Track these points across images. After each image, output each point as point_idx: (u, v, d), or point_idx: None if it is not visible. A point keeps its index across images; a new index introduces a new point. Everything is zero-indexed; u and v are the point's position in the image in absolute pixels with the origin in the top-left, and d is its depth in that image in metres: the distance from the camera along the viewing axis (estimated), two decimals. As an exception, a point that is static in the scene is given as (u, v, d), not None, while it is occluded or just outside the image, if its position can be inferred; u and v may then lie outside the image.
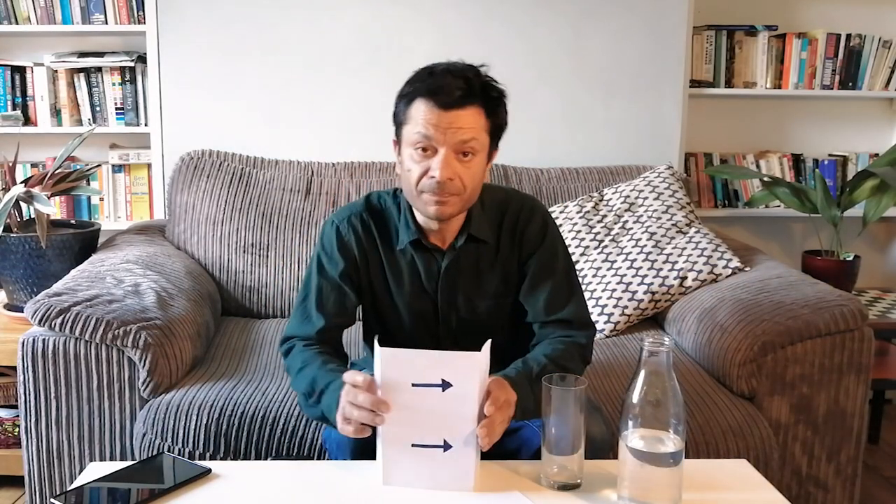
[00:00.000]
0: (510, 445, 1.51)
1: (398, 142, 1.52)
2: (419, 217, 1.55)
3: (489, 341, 1.26)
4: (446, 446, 1.24)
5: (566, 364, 1.48)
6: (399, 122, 1.49)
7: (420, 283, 1.58)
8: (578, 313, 1.59)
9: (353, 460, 1.39)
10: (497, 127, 1.50)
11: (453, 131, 1.42)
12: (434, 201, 1.45)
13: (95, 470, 1.31)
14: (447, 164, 1.42)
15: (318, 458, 1.71)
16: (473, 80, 1.44)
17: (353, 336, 1.91)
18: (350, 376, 1.29)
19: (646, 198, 2.55)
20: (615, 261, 2.42)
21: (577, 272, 2.42)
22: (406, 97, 1.47)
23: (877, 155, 3.11)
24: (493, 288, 1.61)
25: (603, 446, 1.43)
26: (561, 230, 2.49)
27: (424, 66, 1.49)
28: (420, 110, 1.43)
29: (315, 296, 1.57)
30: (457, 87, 1.42)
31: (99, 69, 2.81)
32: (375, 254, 1.58)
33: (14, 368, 1.98)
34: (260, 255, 2.48)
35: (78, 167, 2.68)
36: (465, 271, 1.59)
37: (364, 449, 1.34)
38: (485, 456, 1.29)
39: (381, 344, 1.24)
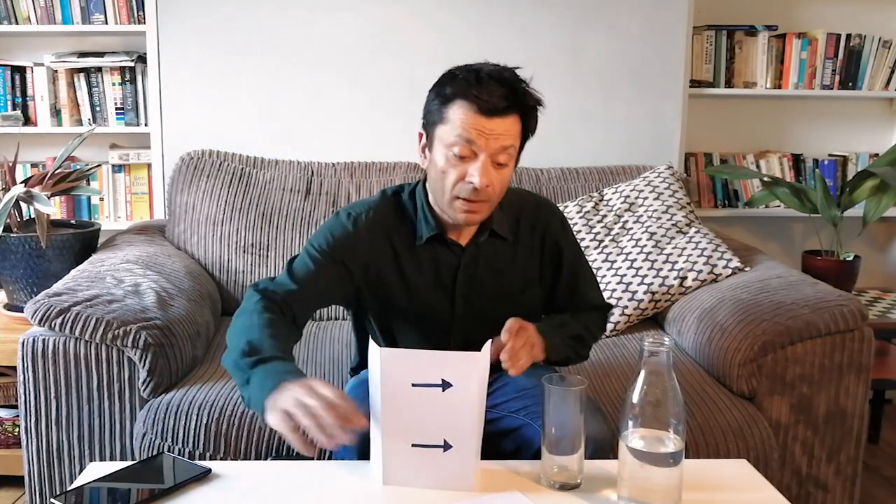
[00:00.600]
0: (510, 446, 1.51)
1: (427, 137, 1.50)
2: (438, 212, 1.55)
3: (489, 342, 1.27)
4: (446, 446, 1.24)
5: (589, 324, 1.66)
6: (433, 119, 1.47)
7: (438, 277, 1.59)
8: (601, 297, 1.76)
9: (353, 460, 1.39)
10: (528, 133, 1.50)
11: (495, 138, 1.41)
12: (465, 209, 1.46)
13: (95, 470, 1.31)
14: (486, 170, 1.42)
15: (318, 458, 1.71)
16: (518, 88, 1.43)
17: (350, 337, 1.90)
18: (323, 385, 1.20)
19: (646, 198, 2.55)
20: (615, 261, 2.42)
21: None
22: (445, 97, 1.44)
23: (877, 155, 3.11)
24: (511, 284, 1.62)
25: (604, 446, 1.43)
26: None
27: (466, 65, 1.46)
28: (461, 114, 1.42)
29: (300, 263, 1.53)
30: (503, 96, 1.41)
31: (99, 69, 2.81)
32: (388, 249, 1.58)
33: (14, 368, 1.98)
34: (260, 255, 2.48)
35: (78, 167, 2.68)
36: (484, 267, 1.60)
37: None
38: (485, 456, 1.29)
39: (382, 341, 1.24)
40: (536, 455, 1.35)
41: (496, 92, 1.41)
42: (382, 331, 1.63)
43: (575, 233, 2.48)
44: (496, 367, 1.35)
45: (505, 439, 1.52)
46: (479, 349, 1.23)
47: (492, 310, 1.60)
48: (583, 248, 2.46)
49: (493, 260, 1.60)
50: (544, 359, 1.50)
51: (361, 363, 1.73)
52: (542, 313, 1.70)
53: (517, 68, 1.48)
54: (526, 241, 1.63)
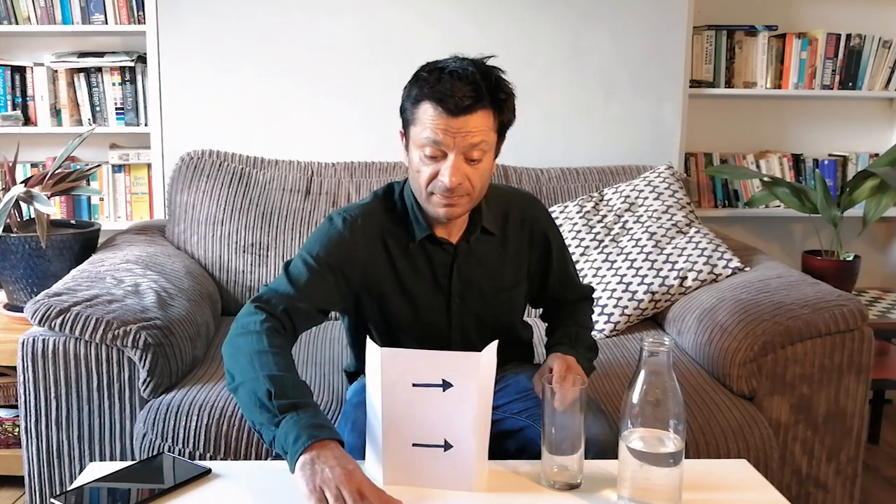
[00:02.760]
0: (512, 446, 1.51)
1: (405, 136, 1.51)
2: (429, 213, 1.55)
3: (495, 342, 1.26)
4: (447, 446, 1.24)
5: (586, 322, 1.74)
6: (406, 119, 1.48)
7: (433, 276, 1.58)
8: (585, 286, 1.80)
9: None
10: (505, 123, 1.49)
11: (462, 136, 1.40)
12: (443, 203, 1.46)
13: (95, 470, 1.31)
14: (456, 169, 1.42)
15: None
16: (482, 83, 1.41)
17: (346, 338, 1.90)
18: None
19: (646, 198, 2.55)
20: (615, 261, 2.42)
21: (578, 272, 2.44)
22: (413, 98, 1.44)
23: (877, 155, 3.11)
24: (504, 279, 1.63)
25: (606, 448, 1.43)
26: (561, 230, 2.50)
27: (433, 63, 1.46)
28: (428, 114, 1.41)
29: (298, 270, 1.49)
30: (466, 95, 1.39)
31: (99, 69, 2.81)
32: (384, 251, 1.56)
33: (14, 368, 1.98)
34: (260, 255, 2.48)
35: (78, 167, 2.68)
36: (477, 264, 1.60)
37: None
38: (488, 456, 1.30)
39: (383, 344, 1.24)
40: (539, 456, 1.35)
41: (461, 90, 1.39)
42: (382, 334, 1.61)
43: (575, 233, 2.50)
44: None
45: (507, 440, 1.52)
46: (478, 348, 1.23)
47: (486, 306, 1.61)
48: (582, 250, 2.48)
49: (484, 257, 1.60)
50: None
51: (359, 368, 1.72)
52: (525, 308, 1.75)
53: (489, 58, 1.47)
54: (515, 236, 1.63)
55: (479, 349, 1.22)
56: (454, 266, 1.58)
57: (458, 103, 1.39)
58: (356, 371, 1.75)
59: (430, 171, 1.44)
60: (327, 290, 1.50)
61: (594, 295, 1.86)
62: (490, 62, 1.48)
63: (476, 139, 1.41)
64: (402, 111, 1.49)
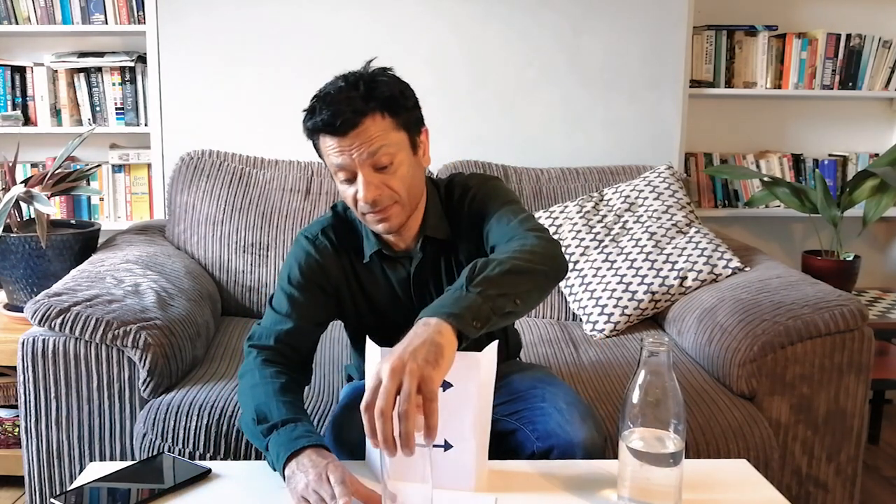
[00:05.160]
0: (503, 448, 1.51)
1: None
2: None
3: (495, 342, 1.26)
4: (447, 446, 1.24)
5: (516, 249, 1.30)
6: (319, 154, 1.47)
7: (393, 292, 1.56)
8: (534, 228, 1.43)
9: (353, 460, 1.39)
10: (407, 117, 1.43)
11: (358, 149, 1.38)
12: (377, 220, 1.44)
13: (95, 470, 1.31)
14: (368, 183, 1.39)
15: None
16: (356, 94, 1.38)
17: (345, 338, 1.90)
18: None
19: (646, 198, 2.55)
20: (615, 261, 2.42)
21: (578, 272, 2.44)
22: (309, 134, 1.44)
23: (877, 155, 3.11)
24: None
25: (593, 452, 1.42)
26: (561, 230, 2.52)
27: (314, 96, 1.43)
28: (325, 144, 1.41)
29: (281, 300, 1.51)
30: (343, 111, 1.36)
31: (99, 69, 2.81)
32: (350, 266, 1.56)
33: (14, 368, 1.98)
34: (260, 255, 2.48)
35: (78, 167, 2.68)
36: (434, 273, 1.56)
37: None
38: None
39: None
40: (532, 457, 1.37)
41: (338, 109, 1.37)
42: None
43: (575, 233, 2.49)
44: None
45: (501, 442, 1.52)
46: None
47: None
48: (582, 250, 2.48)
49: (439, 264, 1.55)
50: (467, 336, 1.16)
51: (360, 368, 1.72)
52: None
53: (371, 60, 1.46)
54: (465, 231, 1.54)
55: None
56: (410, 279, 1.55)
57: (342, 123, 1.37)
58: (355, 372, 1.75)
59: (351, 192, 1.43)
60: (312, 305, 1.51)
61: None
62: (373, 63, 1.45)
63: (374, 146, 1.38)
64: (315, 148, 1.47)
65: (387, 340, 1.53)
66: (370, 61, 1.46)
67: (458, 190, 1.56)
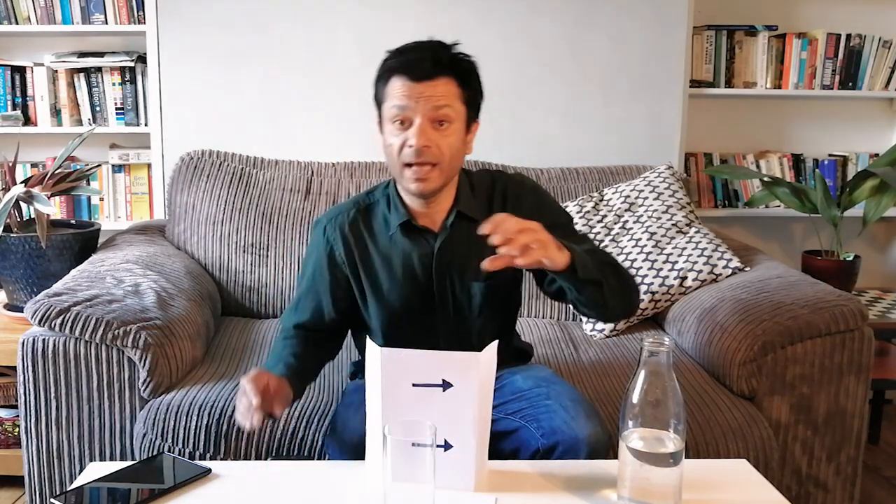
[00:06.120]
0: (506, 447, 1.51)
1: (380, 119, 1.56)
2: (407, 199, 1.58)
3: (495, 342, 1.26)
4: (447, 446, 1.24)
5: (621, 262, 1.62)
6: (378, 101, 1.55)
7: (413, 267, 1.59)
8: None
9: (353, 460, 1.39)
10: (472, 96, 1.54)
11: (426, 100, 1.47)
12: (414, 177, 1.50)
13: (95, 470, 1.32)
14: (422, 131, 1.47)
15: (318, 458, 1.71)
16: (441, 52, 1.49)
17: (349, 339, 1.90)
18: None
19: (646, 198, 2.55)
20: (615, 261, 2.41)
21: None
22: (382, 77, 1.52)
23: (877, 155, 3.11)
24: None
25: (599, 449, 1.42)
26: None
27: (396, 47, 1.54)
28: (395, 86, 1.49)
29: (302, 290, 1.67)
30: (426, 60, 1.47)
31: (99, 69, 2.81)
32: (365, 249, 1.61)
33: (14, 368, 1.98)
34: (260, 255, 2.48)
35: (78, 167, 2.68)
36: (459, 251, 1.59)
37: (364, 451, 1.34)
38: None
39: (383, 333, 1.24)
40: (534, 456, 1.37)
41: (420, 58, 1.48)
42: (374, 329, 1.64)
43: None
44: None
45: (503, 441, 1.52)
46: (469, 339, 1.23)
47: (471, 295, 1.60)
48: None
49: (466, 243, 1.57)
50: (567, 267, 1.36)
51: (362, 366, 1.72)
52: (519, 305, 1.74)
53: (455, 44, 1.53)
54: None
55: (469, 337, 1.23)
56: (434, 253, 1.59)
57: (420, 69, 1.46)
58: (357, 371, 1.76)
59: (399, 140, 1.49)
60: (327, 284, 1.63)
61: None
62: (454, 42, 1.54)
63: (441, 102, 1.47)
64: (375, 96, 1.55)
65: (392, 333, 1.56)
66: (454, 44, 1.54)
67: (502, 180, 1.65)
